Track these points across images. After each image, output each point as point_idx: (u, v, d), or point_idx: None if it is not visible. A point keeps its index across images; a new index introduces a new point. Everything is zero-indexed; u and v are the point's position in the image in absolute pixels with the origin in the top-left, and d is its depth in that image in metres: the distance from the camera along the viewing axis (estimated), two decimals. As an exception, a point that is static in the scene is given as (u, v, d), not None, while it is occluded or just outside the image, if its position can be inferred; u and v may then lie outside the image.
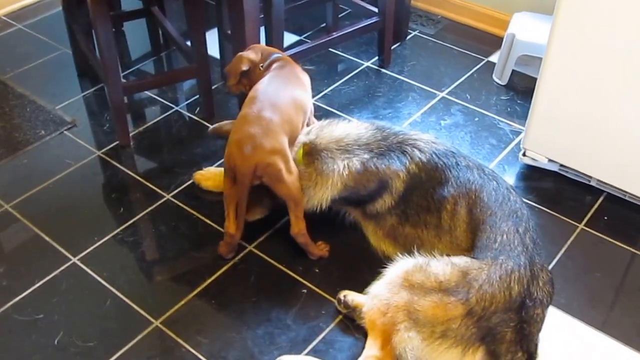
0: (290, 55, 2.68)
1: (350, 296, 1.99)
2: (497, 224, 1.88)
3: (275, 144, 1.98)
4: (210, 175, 2.41)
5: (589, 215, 2.33)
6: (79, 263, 2.15)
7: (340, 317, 1.99)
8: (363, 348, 1.83)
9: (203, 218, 2.30)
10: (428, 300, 1.74)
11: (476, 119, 2.76)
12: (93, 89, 2.90)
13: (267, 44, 2.58)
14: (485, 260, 1.81)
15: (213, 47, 2.91)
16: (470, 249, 1.91)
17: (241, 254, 2.17)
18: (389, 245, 2.11)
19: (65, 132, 2.67)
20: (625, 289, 2.10)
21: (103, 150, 2.59)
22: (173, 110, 2.79)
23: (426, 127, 2.72)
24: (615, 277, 2.13)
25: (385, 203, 2.05)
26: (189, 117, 2.77)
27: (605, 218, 2.32)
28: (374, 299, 1.82)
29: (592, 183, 2.40)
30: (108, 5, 2.29)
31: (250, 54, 2.29)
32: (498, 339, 1.71)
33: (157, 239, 2.25)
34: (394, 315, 1.76)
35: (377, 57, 3.09)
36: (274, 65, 2.26)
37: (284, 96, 2.12)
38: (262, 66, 2.28)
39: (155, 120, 2.74)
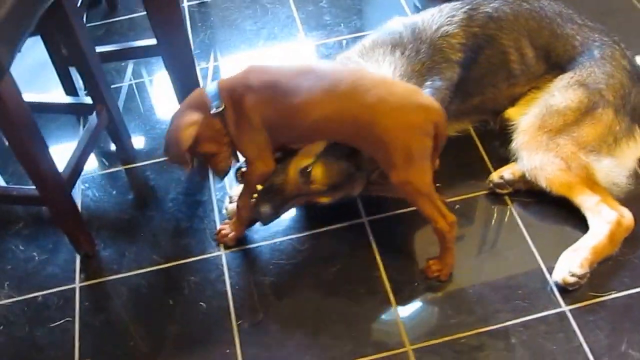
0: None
1: (506, 172, 1.96)
2: (563, 33, 1.97)
3: None
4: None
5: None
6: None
7: (507, 198, 1.94)
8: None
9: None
10: (585, 127, 1.86)
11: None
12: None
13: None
14: (585, 64, 1.94)
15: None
16: (547, 71, 1.99)
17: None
18: (459, 124, 2.11)
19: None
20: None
21: (81, 280, 1.86)
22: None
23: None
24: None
25: (445, 100, 1.94)
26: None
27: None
28: (543, 169, 1.86)
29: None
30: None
31: (187, 115, 1.66)
32: None
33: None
34: (578, 162, 1.84)
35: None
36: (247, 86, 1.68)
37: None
38: (215, 107, 1.68)
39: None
